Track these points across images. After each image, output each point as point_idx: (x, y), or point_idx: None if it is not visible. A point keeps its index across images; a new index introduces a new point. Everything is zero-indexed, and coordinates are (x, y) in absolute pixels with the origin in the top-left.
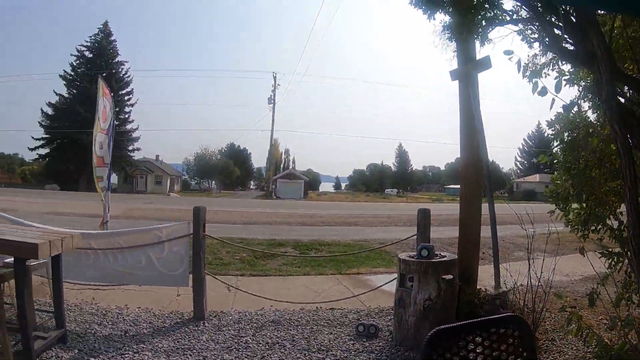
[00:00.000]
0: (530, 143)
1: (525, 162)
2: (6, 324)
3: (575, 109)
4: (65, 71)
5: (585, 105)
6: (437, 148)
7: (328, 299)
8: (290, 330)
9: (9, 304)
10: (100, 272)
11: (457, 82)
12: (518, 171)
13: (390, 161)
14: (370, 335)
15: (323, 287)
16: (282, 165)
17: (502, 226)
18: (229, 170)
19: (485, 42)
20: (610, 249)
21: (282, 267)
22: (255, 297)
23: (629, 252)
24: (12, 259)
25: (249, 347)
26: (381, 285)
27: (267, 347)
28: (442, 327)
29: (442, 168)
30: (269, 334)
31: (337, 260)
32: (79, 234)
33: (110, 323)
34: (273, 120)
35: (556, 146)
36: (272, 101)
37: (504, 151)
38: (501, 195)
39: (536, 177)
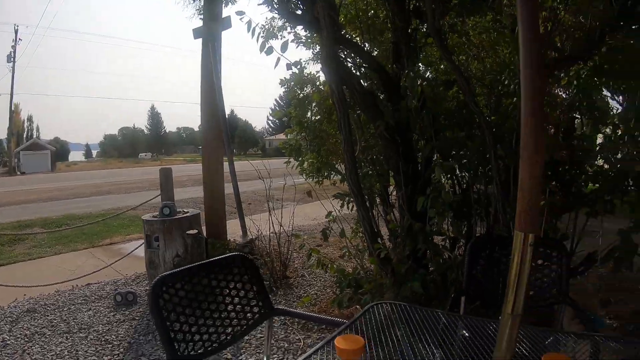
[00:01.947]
0: (282, 103)
1: (277, 121)
2: None
3: (315, 71)
4: None
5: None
6: (191, 109)
7: (83, 275)
8: (48, 315)
9: None
10: None
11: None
12: (270, 130)
13: (143, 124)
14: (129, 303)
15: (77, 263)
16: (25, 135)
17: (250, 182)
18: None
19: (230, 3)
20: (343, 192)
21: (32, 249)
22: (4, 288)
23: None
24: None
25: (8, 344)
26: (132, 251)
27: (26, 339)
28: (166, 273)
29: (196, 129)
30: (26, 325)
31: (90, 233)
32: None
33: None
34: (13, 81)
35: (291, 102)
36: (13, 59)
37: (259, 112)
38: (255, 153)
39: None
